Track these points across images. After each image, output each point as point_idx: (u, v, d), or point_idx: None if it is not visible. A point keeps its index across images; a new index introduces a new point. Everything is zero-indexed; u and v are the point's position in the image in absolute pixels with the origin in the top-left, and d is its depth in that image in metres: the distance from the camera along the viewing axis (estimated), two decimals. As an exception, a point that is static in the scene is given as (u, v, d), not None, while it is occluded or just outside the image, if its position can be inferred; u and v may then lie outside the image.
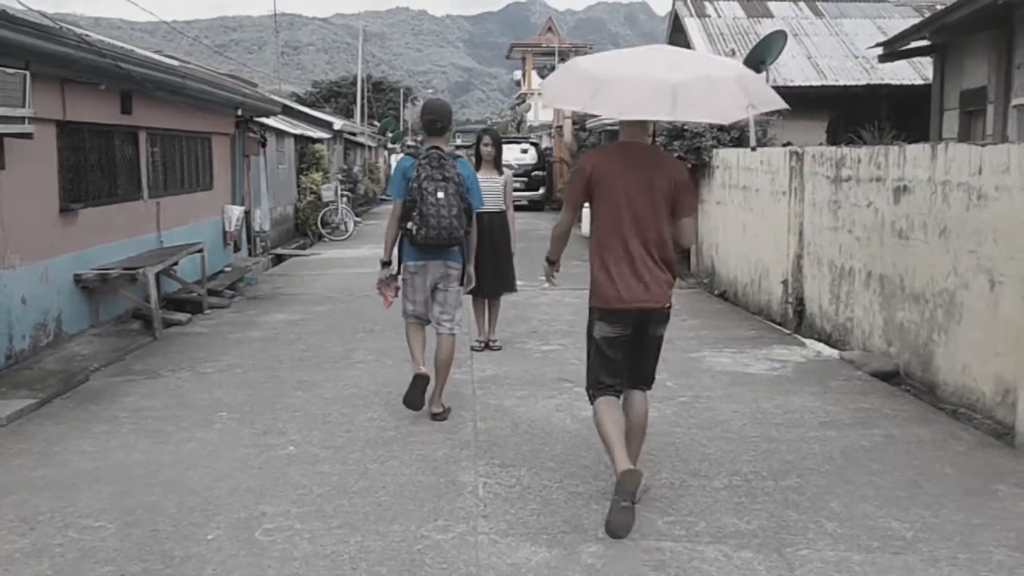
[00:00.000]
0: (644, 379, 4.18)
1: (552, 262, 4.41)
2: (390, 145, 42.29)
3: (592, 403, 4.10)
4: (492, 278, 7.23)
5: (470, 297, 7.32)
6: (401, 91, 57.11)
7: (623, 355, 4.05)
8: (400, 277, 5.52)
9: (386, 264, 5.50)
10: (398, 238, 5.42)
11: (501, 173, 7.39)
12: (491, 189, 7.18)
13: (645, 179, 3.94)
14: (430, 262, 5.38)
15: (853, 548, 3.60)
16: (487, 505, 4.09)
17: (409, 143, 47.07)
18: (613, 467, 3.92)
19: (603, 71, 3.96)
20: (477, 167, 7.32)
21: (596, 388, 4.09)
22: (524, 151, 26.68)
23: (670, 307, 4.04)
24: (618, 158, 4.05)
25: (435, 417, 5.42)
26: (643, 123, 4.10)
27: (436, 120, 5.40)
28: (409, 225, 5.24)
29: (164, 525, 3.91)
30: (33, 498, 4.26)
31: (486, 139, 7.45)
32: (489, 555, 3.58)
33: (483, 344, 7.39)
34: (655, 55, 4.20)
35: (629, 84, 3.84)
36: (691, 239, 4.21)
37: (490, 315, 7.46)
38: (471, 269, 5.61)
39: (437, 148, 5.32)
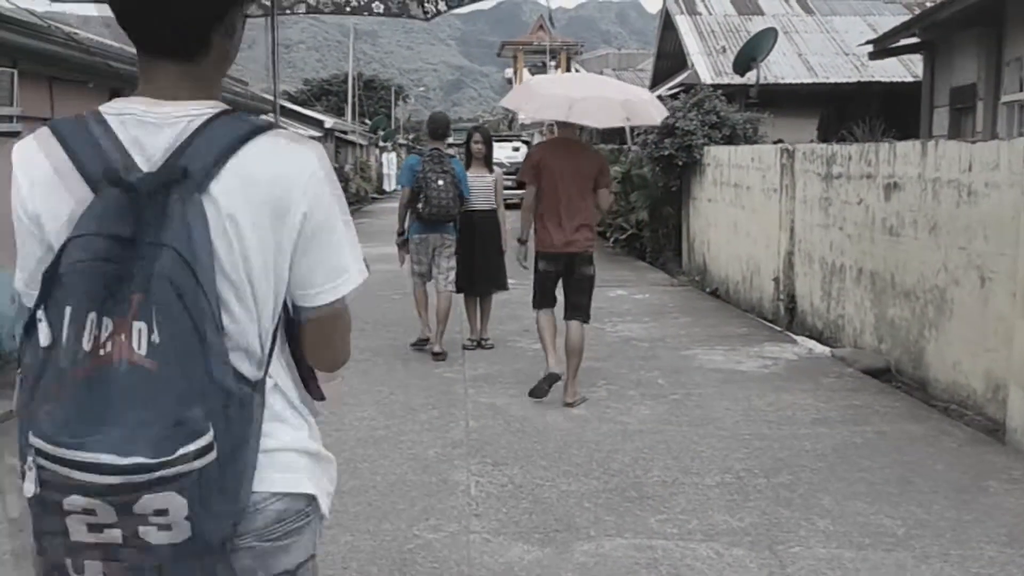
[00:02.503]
0: (578, 310, 5.59)
1: (523, 242, 5.86)
2: (381, 143, 42.18)
3: (536, 314, 5.75)
4: (483, 276, 7.23)
5: (462, 296, 7.37)
6: (392, 89, 56.88)
7: (555, 283, 5.66)
8: (409, 245, 7.08)
9: (401, 234, 7.16)
10: (407, 216, 7.06)
11: (491, 171, 7.36)
12: (481, 187, 7.17)
13: (574, 165, 5.52)
14: (431, 234, 6.94)
15: (845, 545, 3.60)
16: (479, 504, 4.08)
17: (401, 141, 47.02)
18: (547, 364, 5.68)
19: (536, 85, 6.16)
20: (467, 165, 7.30)
21: (538, 303, 5.74)
22: (516, 149, 26.65)
23: (591, 254, 5.60)
24: (556, 150, 5.73)
25: (436, 356, 6.87)
26: (572, 126, 5.83)
27: (438, 128, 7.24)
28: (418, 205, 6.79)
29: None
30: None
31: (476, 136, 7.42)
32: (481, 554, 3.57)
33: (475, 343, 7.37)
34: (580, 81, 6.71)
35: (544, 96, 5.84)
36: (608, 205, 5.98)
37: (482, 313, 7.44)
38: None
39: (437, 149, 6.95)
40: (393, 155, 42.27)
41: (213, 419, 1.20)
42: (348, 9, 4.07)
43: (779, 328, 8.18)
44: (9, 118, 6.45)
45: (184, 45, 1.31)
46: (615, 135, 18.01)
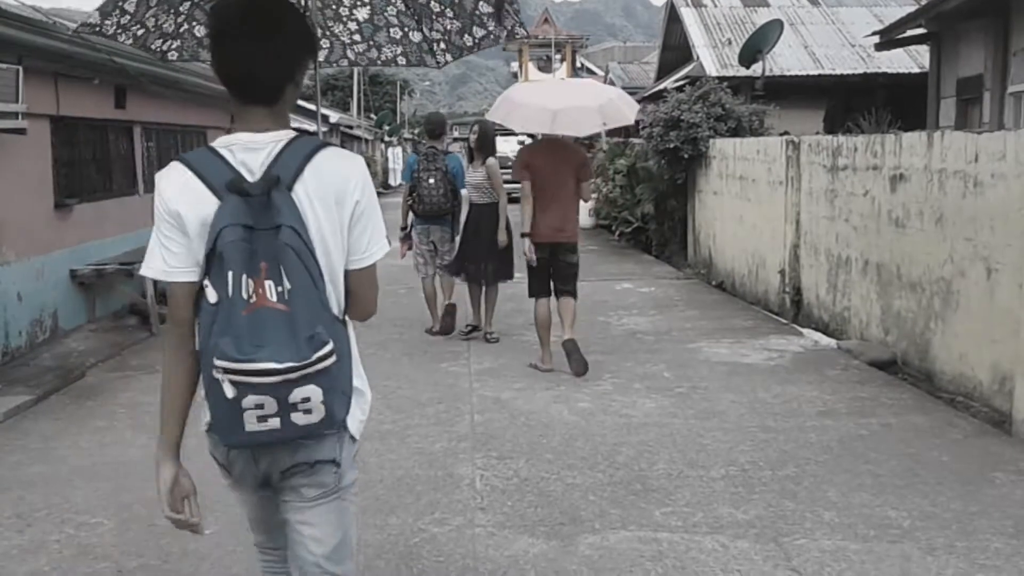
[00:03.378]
0: (567, 289, 6.29)
1: (526, 235, 6.15)
2: (386, 138, 42.14)
3: (534, 304, 6.36)
4: (481, 263, 7.34)
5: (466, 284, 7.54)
6: (398, 84, 56.82)
7: (547, 272, 6.28)
8: (412, 238, 7.73)
9: (404, 228, 7.79)
10: (408, 210, 7.72)
11: (483, 163, 7.46)
12: (476, 178, 7.41)
13: (558, 162, 6.17)
14: (431, 226, 7.55)
15: (850, 537, 3.60)
16: (484, 498, 4.09)
17: (406, 136, 46.94)
18: (541, 353, 6.42)
19: (518, 98, 6.54)
20: (471, 158, 7.60)
21: (534, 292, 6.35)
22: (521, 143, 26.62)
23: (575, 243, 6.29)
24: (543, 149, 6.39)
25: (445, 308, 7.66)
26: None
27: (434, 128, 7.83)
28: (412, 202, 7.51)
29: (161, 520, 3.86)
30: (30, 494, 4.26)
31: (475, 129, 7.67)
32: (486, 547, 3.58)
33: (472, 327, 7.56)
34: (559, 88, 7.33)
35: (527, 109, 6.30)
36: (589, 196, 6.59)
37: (486, 304, 7.48)
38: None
39: (433, 147, 7.56)
40: (399, 150, 42.21)
41: (331, 335, 1.81)
42: (379, 62, 4.77)
43: (785, 320, 8.16)
44: (15, 114, 6.47)
45: (267, 97, 1.91)
46: (619, 130, 17.98)
